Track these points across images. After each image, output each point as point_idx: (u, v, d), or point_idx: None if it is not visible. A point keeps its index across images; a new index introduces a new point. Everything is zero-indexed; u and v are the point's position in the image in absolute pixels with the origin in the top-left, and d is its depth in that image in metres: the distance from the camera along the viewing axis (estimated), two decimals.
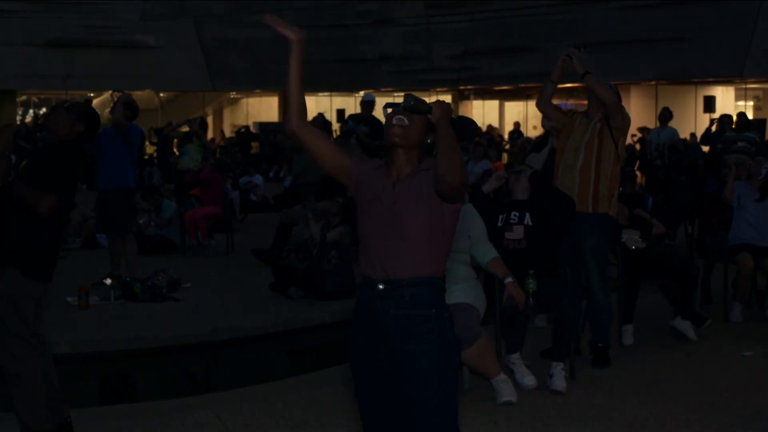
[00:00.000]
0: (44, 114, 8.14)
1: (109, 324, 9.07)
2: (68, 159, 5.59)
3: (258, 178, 19.79)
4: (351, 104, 30.88)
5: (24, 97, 34.34)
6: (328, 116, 24.77)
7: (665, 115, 18.26)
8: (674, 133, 18.29)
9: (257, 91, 35.38)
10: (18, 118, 31.19)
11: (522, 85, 30.28)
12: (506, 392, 6.32)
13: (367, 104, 13.65)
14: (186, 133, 16.08)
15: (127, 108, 10.38)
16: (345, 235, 10.37)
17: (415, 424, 3.70)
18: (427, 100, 3.89)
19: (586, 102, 7.51)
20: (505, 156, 24.99)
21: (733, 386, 6.85)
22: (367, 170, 3.85)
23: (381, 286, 3.71)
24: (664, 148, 17.61)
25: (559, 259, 7.22)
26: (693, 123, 26.66)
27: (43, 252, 5.54)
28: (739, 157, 13.09)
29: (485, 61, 28.77)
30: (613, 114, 7.15)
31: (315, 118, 14.78)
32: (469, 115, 33.88)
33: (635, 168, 18.09)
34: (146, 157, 25.09)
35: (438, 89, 31.69)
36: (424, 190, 3.69)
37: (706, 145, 18.02)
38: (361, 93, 26.32)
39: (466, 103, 34.56)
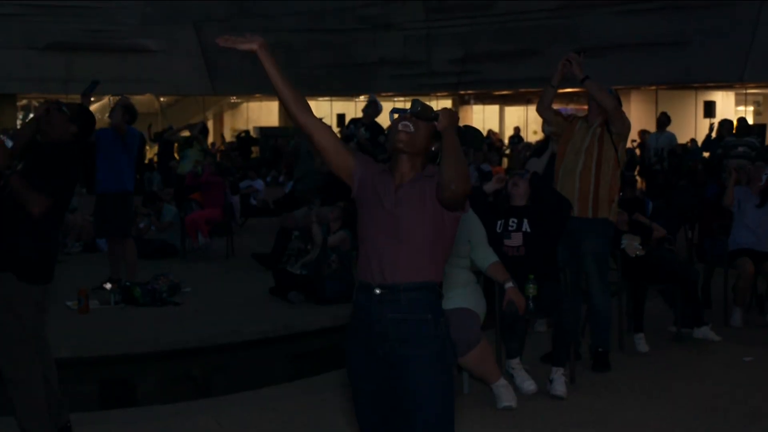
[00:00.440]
0: (34, 116, 8.14)
1: (109, 328, 9.06)
2: (65, 160, 5.58)
3: (259, 183, 19.79)
4: (351, 109, 30.90)
5: (24, 101, 34.34)
6: (328, 121, 24.74)
7: (663, 120, 18.29)
8: (672, 137, 18.30)
9: (258, 95, 35.39)
10: (18, 121, 31.19)
11: (522, 89, 30.29)
12: (506, 397, 6.32)
13: (372, 103, 13.52)
14: (186, 137, 16.09)
15: (126, 111, 10.38)
16: (346, 239, 10.37)
17: (412, 429, 3.70)
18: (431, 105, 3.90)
19: (586, 107, 7.52)
20: (505, 161, 24.99)
21: (734, 391, 6.85)
22: (371, 173, 3.85)
23: (378, 291, 3.71)
24: (663, 153, 17.62)
25: (558, 264, 7.22)
26: (693, 128, 26.66)
27: (39, 255, 5.51)
28: (739, 162, 13.10)
29: (485, 66, 28.80)
30: (613, 119, 7.16)
31: None
32: (469, 120, 33.89)
33: (635, 173, 18.10)
34: (147, 161, 25.05)
35: (438, 94, 31.72)
36: (426, 195, 3.69)
37: (707, 151, 18.02)
38: (362, 98, 26.36)
39: (467, 107, 34.57)
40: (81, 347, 8.46)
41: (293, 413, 6.45)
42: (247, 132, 32.07)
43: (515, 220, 7.01)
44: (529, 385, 6.68)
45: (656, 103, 27.88)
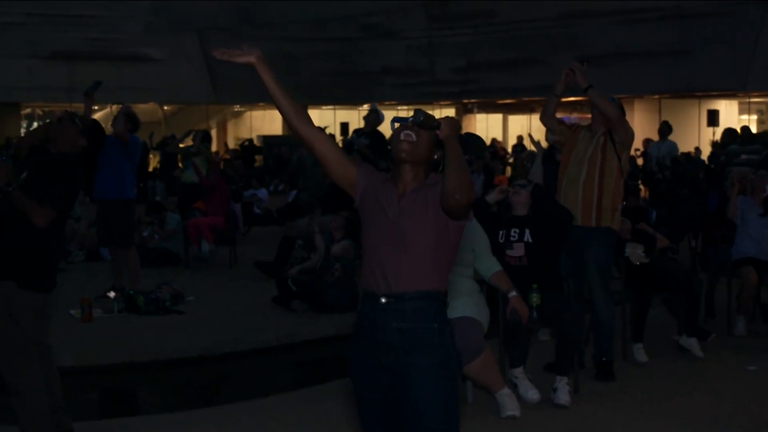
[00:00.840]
0: (44, 123, 8.19)
1: (112, 337, 9.06)
2: (70, 171, 5.59)
3: (262, 192, 19.80)
4: (355, 117, 30.93)
5: (28, 110, 34.42)
6: (331, 130, 24.78)
7: (664, 129, 18.29)
8: (674, 146, 18.30)
9: (261, 104, 35.43)
10: (22, 130, 31.24)
11: (525, 98, 30.30)
12: (510, 406, 6.31)
13: (373, 111, 13.47)
14: (189, 147, 16.09)
15: (128, 120, 10.39)
16: (349, 249, 10.37)
17: None
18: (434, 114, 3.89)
19: (589, 115, 7.52)
20: (508, 169, 24.99)
21: (737, 400, 6.84)
22: (373, 183, 3.84)
23: (383, 300, 3.71)
24: (665, 162, 17.63)
25: (561, 273, 7.22)
26: (697, 137, 26.67)
27: (40, 264, 5.53)
28: (741, 170, 13.09)
29: (488, 75, 28.81)
30: (617, 128, 7.16)
31: None
32: (472, 129, 33.91)
33: (639, 182, 18.09)
34: (150, 170, 25.08)
35: (441, 102, 31.73)
36: (430, 205, 3.68)
37: (712, 163, 18.03)
38: (365, 106, 26.37)
39: (470, 116, 34.61)
40: (84, 356, 8.46)
41: (296, 423, 6.44)
42: (250, 141, 32.10)
43: (517, 230, 7.00)
44: (532, 394, 6.67)
45: (659, 111, 27.89)
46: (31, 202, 5.34)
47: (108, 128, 10.43)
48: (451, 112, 34.53)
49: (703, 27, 23.98)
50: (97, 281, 11.03)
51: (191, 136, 15.88)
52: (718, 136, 21.60)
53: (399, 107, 31.89)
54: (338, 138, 24.59)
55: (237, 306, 10.48)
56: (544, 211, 7.05)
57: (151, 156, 25.29)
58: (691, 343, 8.07)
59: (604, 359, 7.29)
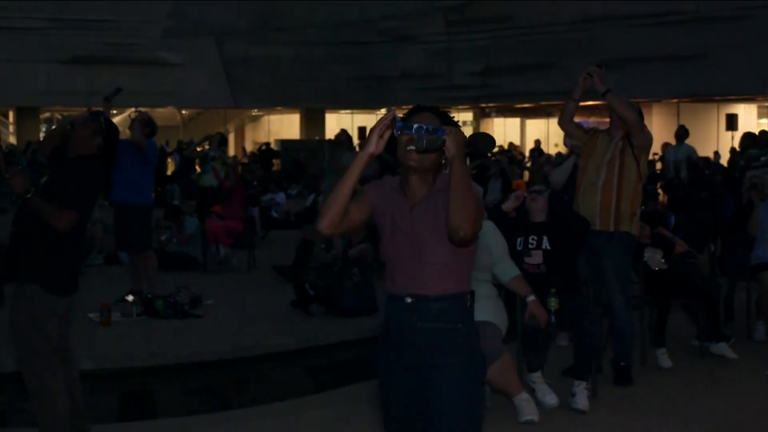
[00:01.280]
0: (60, 125, 8.26)
1: (131, 341, 9.09)
2: (90, 173, 5.62)
3: (281, 197, 19.85)
4: (372, 121, 30.84)
5: (47, 114, 34.61)
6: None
7: (681, 134, 18.21)
8: (691, 150, 18.22)
9: (278, 108, 35.51)
10: (41, 134, 31.41)
11: (543, 102, 30.30)
12: (528, 411, 6.30)
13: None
14: (206, 151, 16.13)
15: (144, 125, 10.41)
16: (367, 252, 10.37)
17: None
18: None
19: (607, 120, 7.50)
20: (526, 174, 24.96)
21: (756, 405, 6.82)
22: (382, 196, 3.83)
23: (408, 300, 3.73)
24: (682, 166, 17.55)
25: (580, 278, 7.20)
26: (715, 141, 26.59)
27: (64, 267, 5.55)
28: (754, 175, 13.02)
29: (506, 79, 28.81)
30: (635, 132, 7.14)
31: (338, 136, 14.77)
32: (490, 133, 33.82)
33: (658, 186, 18.03)
34: (169, 173, 25.16)
35: (459, 107, 31.73)
36: (441, 211, 3.66)
37: (733, 169, 17.94)
38: (383, 111, 26.40)
39: (487, 120, 34.59)
40: (103, 359, 8.50)
41: (314, 426, 6.45)
42: (268, 145, 32.16)
43: (535, 238, 6.97)
44: (550, 398, 6.66)
45: (678, 116, 27.84)
46: (50, 207, 5.36)
47: (127, 133, 10.47)
48: (468, 116, 34.55)
49: (721, 31, 23.93)
50: (115, 285, 11.06)
51: (207, 141, 15.92)
52: (736, 140, 21.49)
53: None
54: (356, 142, 24.61)
55: (255, 310, 10.50)
56: (561, 220, 7.03)
57: (169, 160, 25.37)
58: (722, 347, 8.05)
59: (622, 364, 7.27)
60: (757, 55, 23.33)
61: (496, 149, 27.89)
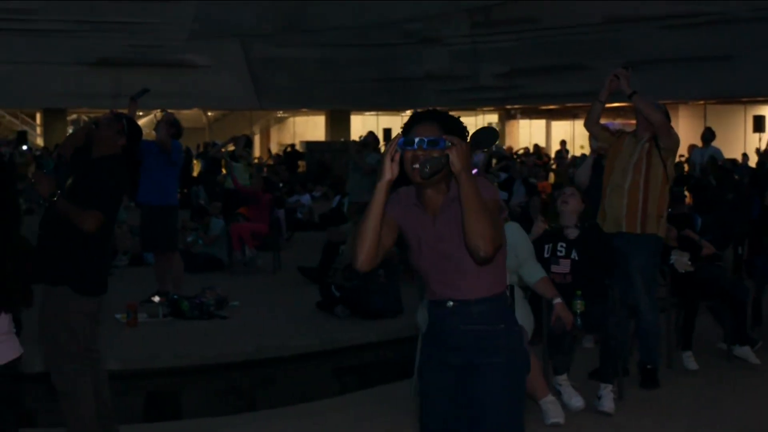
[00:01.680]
0: (84, 125, 8.35)
1: (157, 341, 9.13)
2: (115, 173, 5.64)
3: (306, 198, 19.87)
4: (397, 123, 30.98)
5: (74, 116, 34.80)
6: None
7: (707, 135, 18.12)
8: (717, 152, 18.12)
9: (304, 110, 35.56)
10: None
11: (569, 104, 30.22)
12: (554, 413, 6.29)
13: None
14: (231, 152, 16.18)
15: (170, 126, 10.44)
16: (393, 254, 10.37)
17: None
18: (474, 120, 3.83)
19: (633, 121, 7.47)
20: (551, 176, 24.90)
21: None
22: (403, 213, 3.79)
23: (450, 303, 3.74)
24: (708, 167, 17.45)
25: (606, 280, 7.17)
26: (743, 142, 26.43)
27: (93, 268, 5.58)
28: None
29: (532, 81, 28.78)
30: (662, 134, 7.11)
31: (366, 138, 14.80)
32: (515, 135, 33.84)
33: (685, 188, 17.93)
34: (195, 174, 25.25)
35: (484, 108, 31.71)
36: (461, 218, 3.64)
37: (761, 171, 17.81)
38: (408, 112, 26.40)
39: (513, 122, 34.54)
40: (129, 360, 8.53)
41: (339, 427, 6.45)
42: (293, 146, 32.22)
43: (564, 245, 6.94)
44: (576, 401, 6.64)
45: (705, 117, 27.70)
46: (76, 209, 5.39)
47: (152, 134, 10.51)
48: (493, 118, 34.51)
49: (748, 32, 23.81)
50: (141, 286, 11.10)
51: (233, 142, 15.96)
52: (764, 142, 21.40)
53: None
54: (381, 143, 24.62)
55: (280, 311, 10.52)
56: (592, 240, 6.96)
57: (195, 161, 25.45)
58: (745, 351, 8.00)
59: (648, 366, 7.24)
60: None
61: (521, 151, 27.89)
